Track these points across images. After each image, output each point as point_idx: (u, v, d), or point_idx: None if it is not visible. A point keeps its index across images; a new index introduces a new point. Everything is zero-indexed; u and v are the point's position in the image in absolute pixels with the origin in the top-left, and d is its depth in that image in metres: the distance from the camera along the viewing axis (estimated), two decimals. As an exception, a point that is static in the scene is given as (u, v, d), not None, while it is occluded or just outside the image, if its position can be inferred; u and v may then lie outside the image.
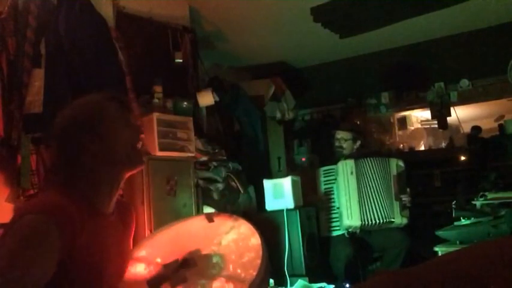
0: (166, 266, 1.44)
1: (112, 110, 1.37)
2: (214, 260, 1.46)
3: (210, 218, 1.64)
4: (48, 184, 1.45)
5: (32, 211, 1.18)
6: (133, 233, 1.53)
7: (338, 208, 3.41)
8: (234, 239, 1.53)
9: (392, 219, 3.35)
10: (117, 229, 1.39)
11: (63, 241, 1.15)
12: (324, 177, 3.54)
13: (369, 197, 3.38)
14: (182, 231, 1.66)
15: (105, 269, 1.28)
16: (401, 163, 3.52)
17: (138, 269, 1.48)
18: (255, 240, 1.50)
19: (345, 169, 3.42)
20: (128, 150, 1.36)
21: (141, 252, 1.55)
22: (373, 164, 3.44)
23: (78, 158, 1.30)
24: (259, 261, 1.41)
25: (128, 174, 1.40)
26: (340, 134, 3.64)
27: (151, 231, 2.59)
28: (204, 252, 1.48)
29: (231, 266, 1.42)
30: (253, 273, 1.38)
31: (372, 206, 3.36)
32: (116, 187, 1.37)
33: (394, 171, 3.46)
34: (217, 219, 1.64)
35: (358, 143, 3.65)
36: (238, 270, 1.41)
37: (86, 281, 1.21)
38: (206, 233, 1.58)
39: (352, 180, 3.39)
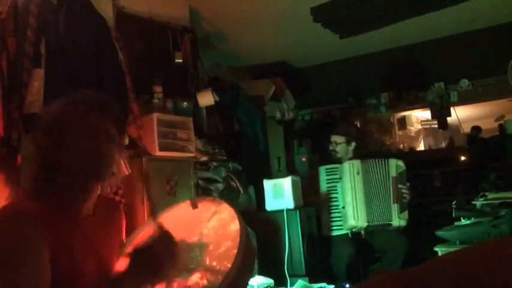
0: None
1: (77, 116, 1.29)
2: (193, 253, 1.40)
3: (194, 204, 1.60)
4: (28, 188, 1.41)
5: (7, 219, 1.15)
6: (123, 230, 1.51)
7: (343, 208, 3.41)
8: (213, 227, 1.45)
9: (390, 222, 3.35)
10: (99, 229, 1.36)
11: (46, 243, 1.13)
12: (326, 175, 3.53)
13: (373, 198, 3.39)
14: (167, 222, 1.63)
15: (82, 271, 1.25)
16: (401, 163, 3.52)
17: (124, 265, 1.45)
18: (234, 226, 1.40)
19: (352, 169, 3.42)
20: (92, 163, 1.28)
21: (130, 247, 1.53)
22: (374, 164, 3.45)
23: (49, 165, 1.25)
24: (235, 252, 1.31)
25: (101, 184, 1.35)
26: (334, 138, 3.64)
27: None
28: (185, 244, 1.42)
29: (207, 259, 1.35)
30: (228, 265, 1.29)
31: (375, 207, 3.37)
32: (90, 193, 1.32)
33: (393, 172, 3.46)
34: (201, 205, 1.59)
35: (353, 145, 3.63)
36: (214, 263, 1.33)
37: (62, 285, 1.19)
38: (190, 221, 1.53)
39: (359, 181, 3.40)
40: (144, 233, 1.61)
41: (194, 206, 1.60)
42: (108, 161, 1.31)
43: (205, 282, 1.31)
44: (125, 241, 1.56)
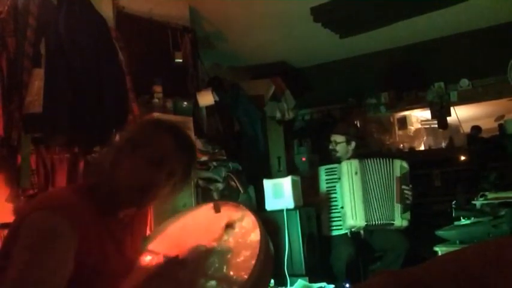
0: (166, 263, 1.42)
1: (152, 139, 1.31)
2: (212, 258, 1.40)
3: (217, 208, 1.59)
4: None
5: (42, 207, 1.19)
6: (147, 225, 1.54)
7: (342, 208, 3.41)
8: (234, 234, 1.45)
9: (392, 221, 3.35)
10: (126, 228, 1.39)
11: (75, 237, 1.16)
12: (326, 175, 3.54)
13: (372, 198, 3.38)
14: (188, 223, 1.62)
15: (106, 268, 1.28)
16: (405, 164, 3.51)
17: (144, 261, 1.47)
18: (254, 236, 1.40)
19: (350, 169, 3.42)
20: (138, 186, 1.28)
21: (150, 245, 1.54)
22: (377, 164, 3.45)
23: (106, 170, 1.30)
24: (253, 263, 1.31)
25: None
26: (333, 138, 3.64)
27: (150, 231, 2.59)
28: (204, 249, 1.44)
29: (225, 267, 1.35)
30: (245, 276, 1.29)
31: (375, 207, 3.36)
32: (128, 207, 1.34)
33: (397, 173, 3.46)
34: (224, 210, 1.58)
35: (353, 144, 3.63)
36: (231, 272, 1.33)
37: (84, 281, 1.21)
38: (211, 225, 1.53)
39: (357, 180, 3.40)
40: (169, 230, 1.62)
41: (217, 210, 1.59)
42: (152, 192, 1.30)
43: None
44: (148, 236, 1.57)
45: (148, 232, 1.63)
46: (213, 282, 1.33)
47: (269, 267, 1.43)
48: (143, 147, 1.29)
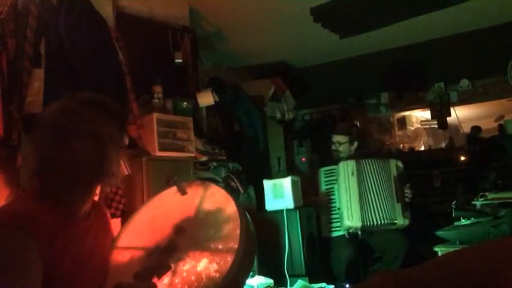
0: (149, 256, 1.40)
1: (77, 117, 1.27)
2: (194, 238, 1.40)
3: (182, 190, 1.55)
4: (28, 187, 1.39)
5: (3, 225, 1.13)
6: (111, 225, 1.52)
7: (339, 209, 3.41)
8: (209, 211, 1.45)
9: (394, 221, 3.35)
10: (93, 231, 1.37)
11: (42, 252, 1.12)
12: (325, 177, 3.54)
13: (370, 198, 3.38)
14: (158, 212, 1.58)
15: (82, 272, 1.26)
16: (400, 164, 3.52)
17: (123, 259, 1.45)
18: (231, 208, 1.42)
19: (346, 170, 3.42)
20: (93, 166, 1.27)
21: (123, 241, 1.52)
22: (374, 164, 3.44)
23: (51, 164, 1.24)
24: (238, 232, 1.33)
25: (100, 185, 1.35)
26: (336, 138, 3.64)
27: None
28: (184, 232, 1.43)
29: (212, 244, 1.36)
30: (235, 245, 1.31)
31: (373, 207, 3.35)
32: (88, 195, 1.32)
33: (394, 172, 3.46)
34: (190, 191, 1.55)
35: (355, 144, 3.64)
36: (220, 246, 1.34)
37: (64, 286, 1.19)
38: (182, 208, 1.51)
39: (353, 181, 3.39)
40: (135, 221, 1.61)
41: (182, 192, 1.56)
42: (107, 162, 1.30)
43: (215, 266, 1.30)
44: (116, 234, 1.56)
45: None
46: (205, 260, 1.33)
47: (253, 236, 1.43)
48: (74, 129, 1.27)
